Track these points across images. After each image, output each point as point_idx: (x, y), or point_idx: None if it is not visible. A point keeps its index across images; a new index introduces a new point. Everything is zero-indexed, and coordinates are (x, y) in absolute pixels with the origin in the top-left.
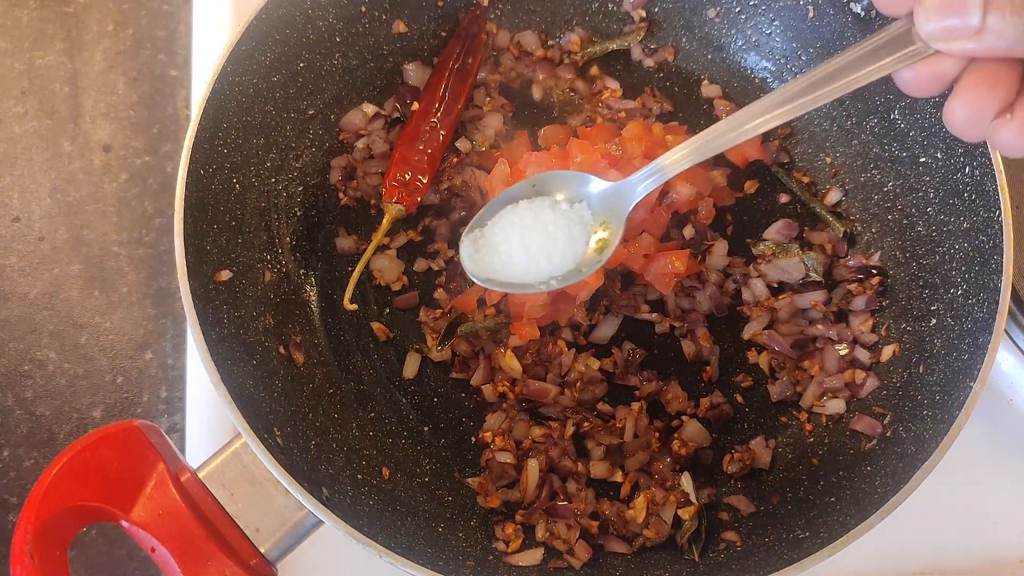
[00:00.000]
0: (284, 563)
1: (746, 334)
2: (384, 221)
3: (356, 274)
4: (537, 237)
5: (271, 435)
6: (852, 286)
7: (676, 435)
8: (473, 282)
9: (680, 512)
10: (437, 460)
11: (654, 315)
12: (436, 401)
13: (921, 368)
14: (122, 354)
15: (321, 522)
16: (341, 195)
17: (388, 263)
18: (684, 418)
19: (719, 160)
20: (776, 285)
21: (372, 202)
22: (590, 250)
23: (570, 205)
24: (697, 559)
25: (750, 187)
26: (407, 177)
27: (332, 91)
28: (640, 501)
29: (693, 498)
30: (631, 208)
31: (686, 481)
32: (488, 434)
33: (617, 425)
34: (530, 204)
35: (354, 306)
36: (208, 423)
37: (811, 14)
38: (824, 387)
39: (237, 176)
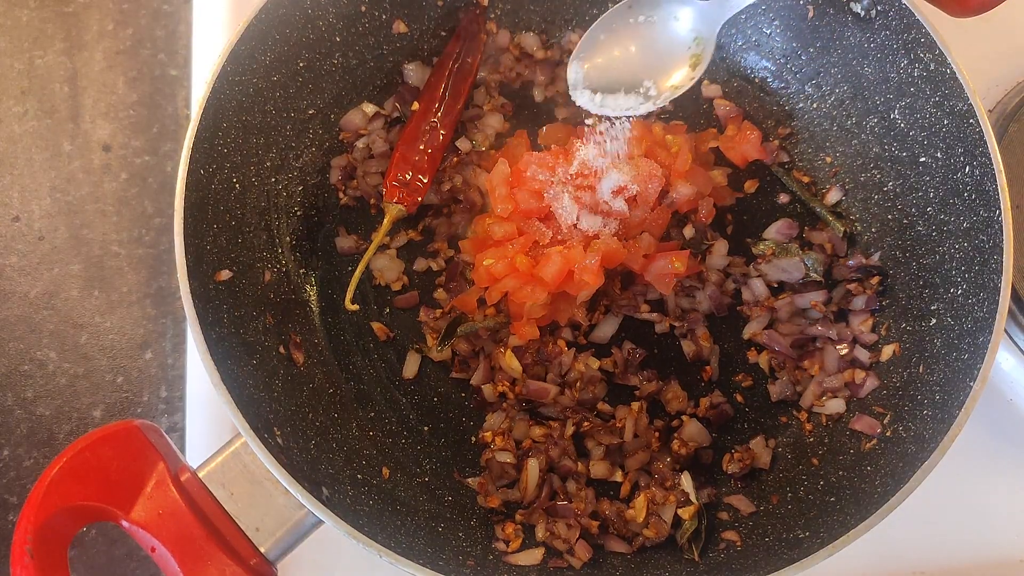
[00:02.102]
0: (284, 563)
1: (746, 334)
2: (385, 221)
3: (357, 274)
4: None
5: (271, 435)
6: (852, 286)
7: (676, 435)
8: (472, 282)
9: (680, 512)
10: (437, 460)
11: (654, 315)
12: (436, 401)
13: (921, 368)
14: (122, 354)
15: (321, 522)
16: (341, 195)
17: (388, 263)
18: (684, 418)
19: (719, 160)
20: (776, 285)
21: (372, 202)
22: (685, 70)
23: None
24: (697, 559)
25: (750, 187)
26: (407, 177)
27: (332, 91)
28: (640, 501)
29: (693, 498)
30: (721, 24)
31: (686, 481)
32: (488, 434)
33: (617, 425)
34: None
35: (355, 306)
36: (208, 423)
37: (811, 14)
38: (824, 387)
39: (237, 176)
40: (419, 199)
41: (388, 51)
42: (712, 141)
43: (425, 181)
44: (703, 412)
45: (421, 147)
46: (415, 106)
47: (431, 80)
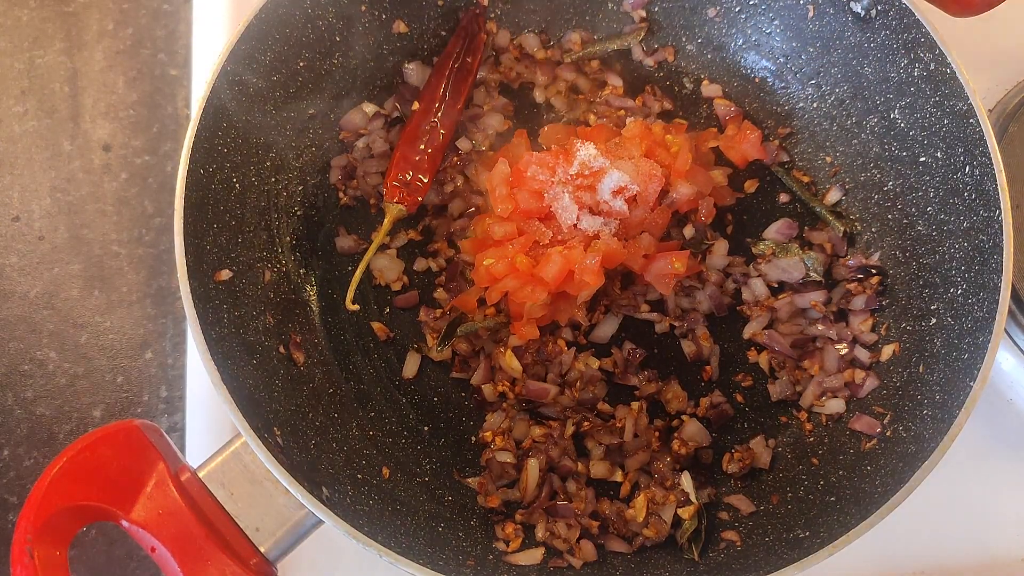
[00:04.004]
0: (284, 562)
1: (746, 334)
2: (385, 221)
3: (358, 275)
4: None
5: (271, 435)
6: (852, 286)
7: (676, 434)
8: (472, 282)
9: (680, 512)
10: (437, 460)
11: (654, 315)
12: (436, 401)
13: (921, 367)
14: (122, 354)
15: (321, 522)
16: (341, 195)
17: (388, 263)
18: (684, 418)
19: (719, 159)
20: (776, 285)
21: (372, 201)
22: None
23: None
24: (697, 558)
25: (750, 187)
26: (408, 177)
27: (332, 91)
28: (640, 500)
29: (693, 497)
30: None
31: (686, 481)
32: (488, 434)
33: (617, 425)
34: None
35: (356, 306)
36: (208, 423)
37: (811, 13)
38: (824, 387)
39: (237, 175)
40: (419, 199)
41: (388, 51)
42: (712, 141)
43: (425, 181)
44: (703, 412)
45: (421, 147)
46: (415, 105)
47: (431, 80)
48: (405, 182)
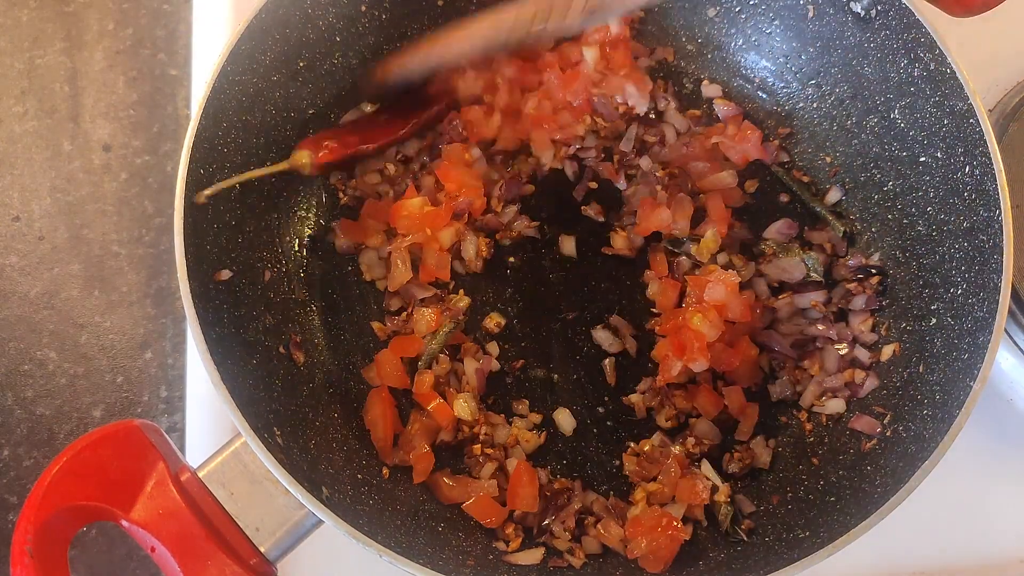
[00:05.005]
0: (284, 563)
1: None
2: (283, 163)
3: (231, 182)
4: None
5: (271, 435)
6: (852, 286)
7: (688, 433)
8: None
9: (716, 497)
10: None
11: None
12: None
13: (921, 367)
14: (122, 354)
15: (321, 522)
16: (341, 195)
17: (375, 259)
18: (691, 420)
19: (723, 160)
20: (776, 285)
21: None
22: None
23: None
24: (746, 538)
25: (750, 187)
26: (334, 145)
27: (332, 91)
28: (640, 496)
29: (718, 482)
30: None
31: (707, 468)
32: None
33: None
34: None
35: (205, 199)
36: (208, 423)
37: (811, 13)
38: (824, 387)
39: (237, 175)
40: (330, 162)
41: (388, 51)
42: (713, 139)
43: (348, 155)
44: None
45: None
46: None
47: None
48: (331, 147)
